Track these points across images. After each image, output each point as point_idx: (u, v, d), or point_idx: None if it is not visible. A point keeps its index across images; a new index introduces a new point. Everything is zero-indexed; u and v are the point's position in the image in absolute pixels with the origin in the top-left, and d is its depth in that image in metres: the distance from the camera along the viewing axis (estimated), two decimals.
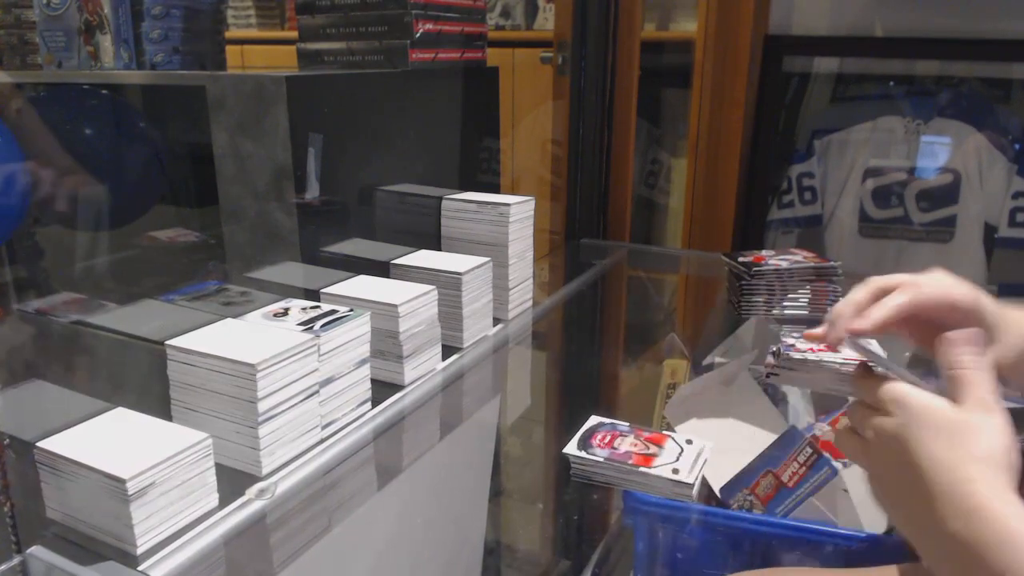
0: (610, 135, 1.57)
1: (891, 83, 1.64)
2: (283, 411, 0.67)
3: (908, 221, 1.61)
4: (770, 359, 0.94)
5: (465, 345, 0.95)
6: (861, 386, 0.52)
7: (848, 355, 0.60)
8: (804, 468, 0.69)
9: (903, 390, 0.48)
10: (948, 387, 0.47)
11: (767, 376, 0.92)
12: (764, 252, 1.16)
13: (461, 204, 1.04)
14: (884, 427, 0.48)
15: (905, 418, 0.46)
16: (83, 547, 0.58)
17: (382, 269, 0.94)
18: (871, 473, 0.50)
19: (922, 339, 0.55)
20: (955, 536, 0.42)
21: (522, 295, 1.08)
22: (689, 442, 0.78)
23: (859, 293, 0.55)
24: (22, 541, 0.57)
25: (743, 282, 1.09)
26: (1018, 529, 0.40)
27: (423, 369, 0.87)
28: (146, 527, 0.57)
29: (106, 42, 1.08)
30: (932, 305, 0.54)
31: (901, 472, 0.46)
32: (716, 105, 1.59)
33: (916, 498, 0.45)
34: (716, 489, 0.74)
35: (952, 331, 0.49)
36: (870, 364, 0.52)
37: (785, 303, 1.09)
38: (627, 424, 0.82)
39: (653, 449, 0.77)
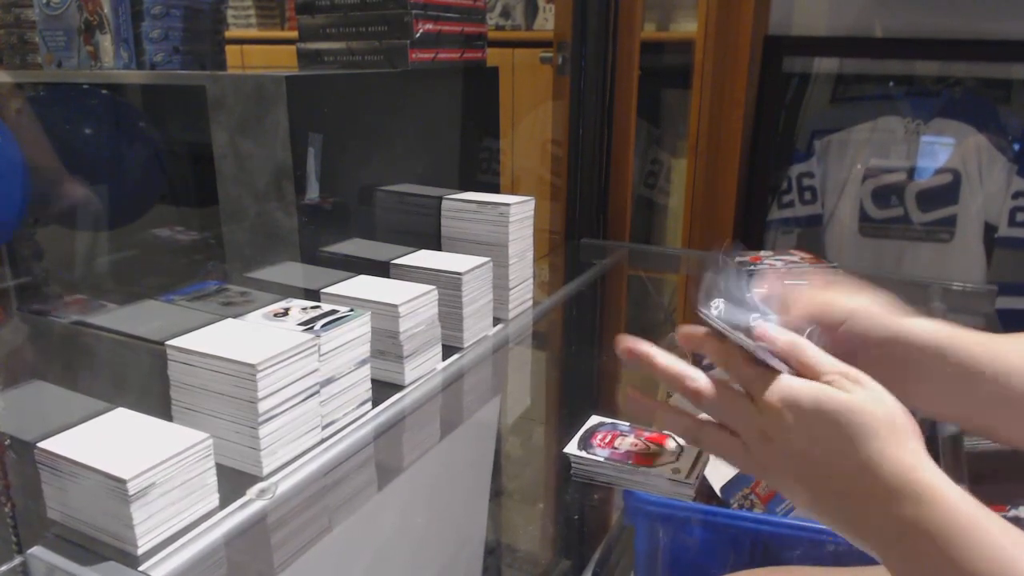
0: (610, 135, 1.57)
1: (891, 83, 1.64)
2: (283, 411, 0.67)
3: (908, 221, 1.61)
4: None
5: (465, 345, 0.95)
6: (746, 375, 0.48)
7: None
8: None
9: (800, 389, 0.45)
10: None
11: None
12: (762, 252, 1.16)
13: (461, 204, 1.04)
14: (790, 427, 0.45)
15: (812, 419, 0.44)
16: (84, 547, 0.58)
17: (382, 269, 0.94)
18: (770, 472, 0.47)
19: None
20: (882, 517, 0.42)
21: (522, 295, 1.08)
22: None
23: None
24: (23, 542, 0.57)
25: None
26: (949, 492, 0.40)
27: (423, 369, 0.87)
28: (147, 527, 0.57)
29: (106, 42, 1.08)
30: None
31: (829, 471, 0.44)
32: (716, 105, 1.59)
33: (852, 492, 0.43)
34: (717, 488, 0.74)
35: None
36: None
37: None
38: (627, 424, 0.82)
39: (654, 449, 0.77)
